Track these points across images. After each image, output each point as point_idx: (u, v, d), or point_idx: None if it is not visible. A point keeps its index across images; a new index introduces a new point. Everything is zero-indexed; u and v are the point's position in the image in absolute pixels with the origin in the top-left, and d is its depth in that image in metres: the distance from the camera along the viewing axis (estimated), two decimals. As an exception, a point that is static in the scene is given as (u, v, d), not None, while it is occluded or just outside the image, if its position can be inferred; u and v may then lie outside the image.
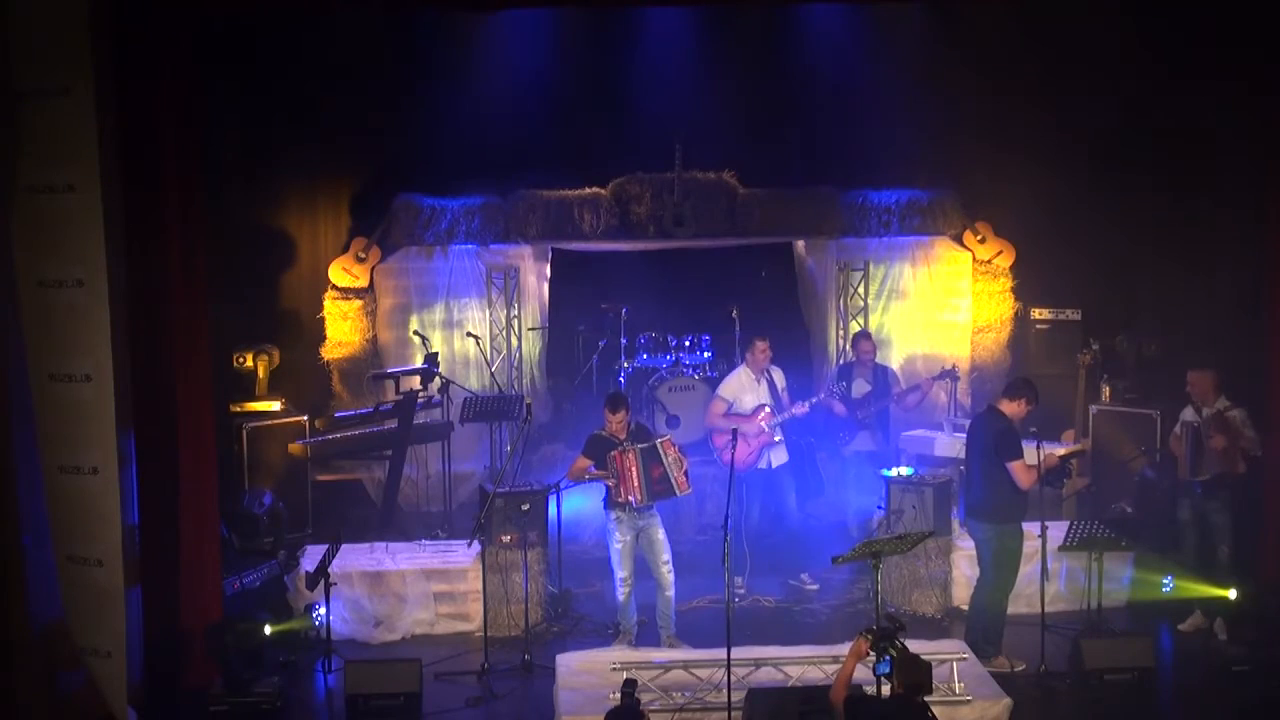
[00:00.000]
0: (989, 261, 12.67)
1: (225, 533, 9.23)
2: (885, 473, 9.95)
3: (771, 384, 10.04)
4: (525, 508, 9.27)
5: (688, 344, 12.34)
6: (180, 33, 8.28)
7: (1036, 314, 12.53)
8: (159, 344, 8.24)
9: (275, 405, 11.37)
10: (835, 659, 7.66)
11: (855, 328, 12.42)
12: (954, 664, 7.75)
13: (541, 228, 12.28)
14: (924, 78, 12.43)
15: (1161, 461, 10.11)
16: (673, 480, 8.76)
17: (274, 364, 11.69)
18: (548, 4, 12.01)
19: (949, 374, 11.47)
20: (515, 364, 12.48)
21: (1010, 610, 8.83)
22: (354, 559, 9.52)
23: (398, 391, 11.38)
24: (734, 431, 9.03)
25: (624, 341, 12.30)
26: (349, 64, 12.11)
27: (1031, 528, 8.79)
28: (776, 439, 10.00)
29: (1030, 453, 8.62)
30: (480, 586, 9.10)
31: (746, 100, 12.46)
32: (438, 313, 12.40)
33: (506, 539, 9.26)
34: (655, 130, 12.07)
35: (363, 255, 12.21)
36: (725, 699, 7.33)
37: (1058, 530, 8.96)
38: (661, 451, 8.77)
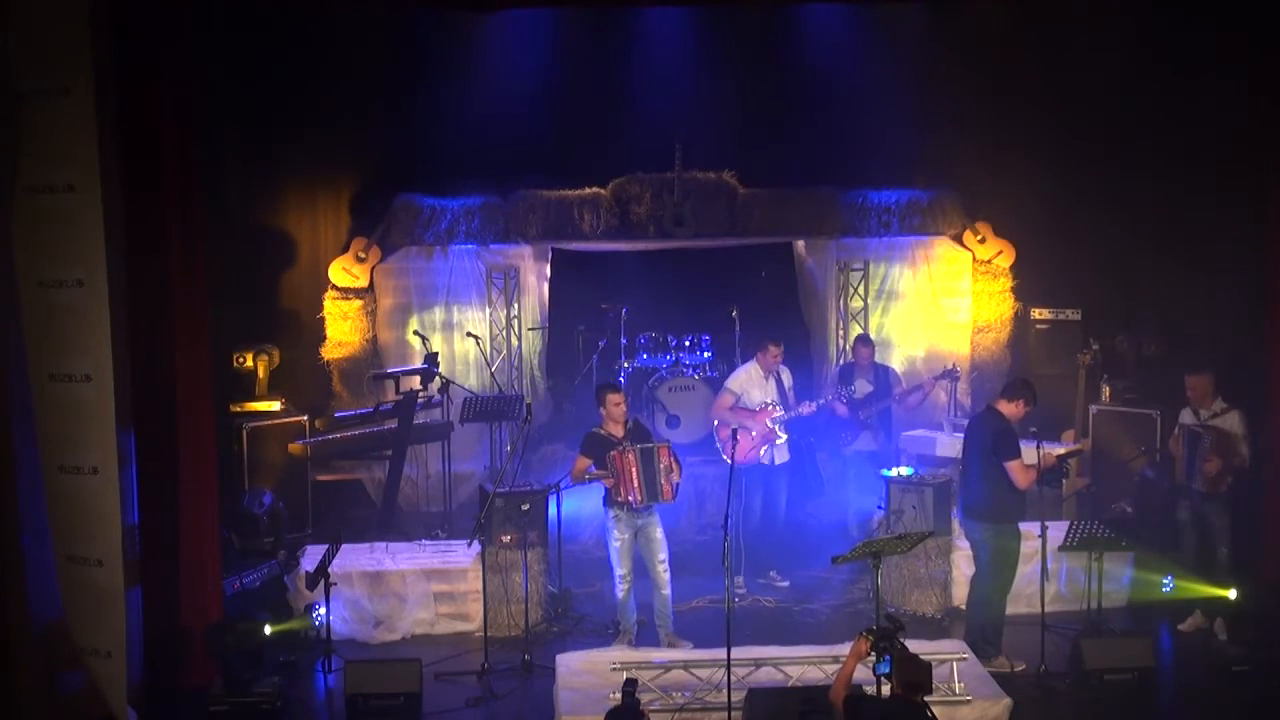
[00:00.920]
0: (989, 261, 12.66)
1: (225, 533, 9.23)
2: (885, 473, 9.95)
3: (780, 382, 10.06)
4: (525, 508, 9.27)
5: (688, 344, 12.34)
6: (180, 33, 8.28)
7: (1036, 314, 12.53)
8: (159, 344, 8.24)
9: (275, 405, 11.36)
10: (835, 659, 7.66)
11: (855, 328, 12.42)
12: (954, 664, 7.75)
13: (541, 228, 12.28)
14: (924, 78, 12.43)
15: (1161, 461, 10.11)
16: (658, 485, 8.75)
17: (274, 364, 11.69)
18: (548, 4, 12.01)
19: (950, 374, 11.47)
20: (515, 364, 12.48)
21: (1010, 610, 8.83)
22: (354, 559, 9.52)
23: (398, 391, 11.38)
24: (733, 431, 9.03)
25: (624, 341, 12.30)
26: (349, 64, 12.12)
27: (1031, 528, 8.80)
28: (781, 438, 9.99)
29: (1030, 453, 8.62)
30: (480, 586, 9.10)
31: (746, 100, 12.46)
32: (438, 313, 12.39)
33: (506, 539, 9.26)
34: (655, 130, 12.07)
35: (363, 255, 12.20)
36: (725, 699, 7.33)
37: (1058, 530, 8.96)
38: (655, 456, 8.77)
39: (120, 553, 7.76)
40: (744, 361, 10.65)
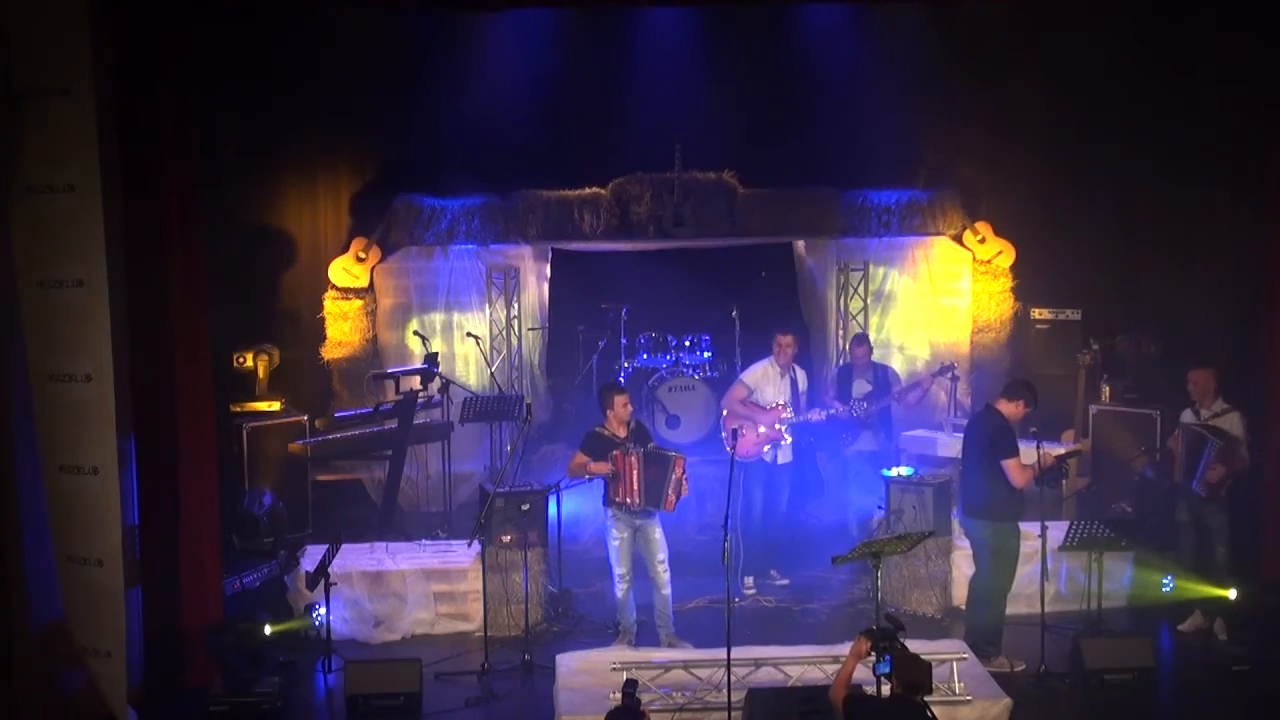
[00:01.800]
0: (989, 261, 12.66)
1: (225, 533, 9.23)
2: (885, 473, 9.95)
3: (794, 384, 10.04)
4: (525, 508, 9.27)
5: (688, 344, 12.34)
6: (180, 33, 8.29)
7: (1036, 314, 12.52)
8: (159, 344, 8.25)
9: (275, 405, 11.36)
10: (835, 659, 7.66)
11: (855, 328, 12.42)
12: (954, 664, 7.75)
13: (541, 228, 12.28)
14: (924, 78, 12.44)
15: (1161, 461, 10.11)
16: (664, 494, 8.73)
17: (274, 364, 11.69)
18: (548, 4, 12.01)
19: (948, 369, 11.48)
20: (515, 364, 12.48)
21: (1010, 610, 8.83)
22: (354, 559, 9.52)
23: (398, 391, 11.37)
24: (733, 431, 9.02)
25: (624, 341, 12.30)
26: (349, 64, 12.12)
27: (1031, 528, 8.79)
28: (786, 440, 9.97)
29: (1030, 452, 8.62)
30: (480, 586, 9.10)
31: (746, 100, 12.47)
32: (438, 313, 12.39)
33: (506, 539, 9.26)
34: (655, 130, 12.07)
35: (363, 255, 12.21)
36: (725, 699, 7.33)
37: (1058, 530, 8.95)
38: (671, 466, 8.74)
39: (120, 553, 7.76)
40: (745, 361, 10.63)
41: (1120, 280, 12.26)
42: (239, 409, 11.17)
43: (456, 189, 12.26)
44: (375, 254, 12.25)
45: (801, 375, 10.17)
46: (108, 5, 7.64)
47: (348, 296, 12.27)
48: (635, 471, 8.68)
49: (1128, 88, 11.86)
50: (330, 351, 12.28)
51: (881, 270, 12.72)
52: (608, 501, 8.84)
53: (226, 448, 10.46)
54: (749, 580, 9.99)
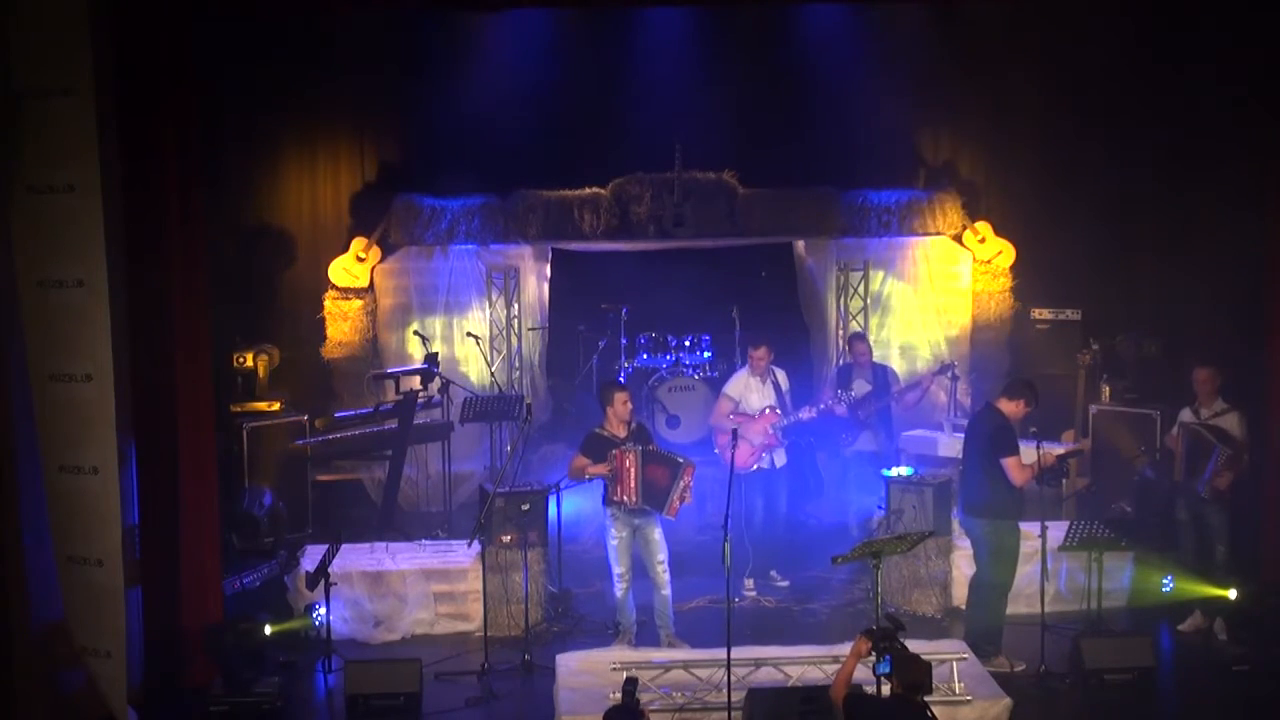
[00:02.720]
0: (989, 261, 12.67)
1: (225, 533, 9.23)
2: (885, 473, 9.95)
3: (776, 386, 10.03)
4: (525, 508, 9.27)
5: (688, 344, 12.34)
6: (180, 33, 8.29)
7: (1036, 314, 12.53)
8: (159, 344, 8.24)
9: (275, 405, 11.36)
10: (835, 659, 7.66)
11: (855, 328, 12.42)
12: (954, 664, 7.75)
13: (541, 228, 12.28)
14: (924, 78, 12.45)
15: (1161, 461, 10.12)
16: (669, 499, 8.70)
17: (274, 364, 11.69)
18: (548, 4, 12.01)
19: (948, 369, 11.49)
20: (515, 364, 12.48)
21: (1010, 610, 8.83)
22: (354, 559, 9.52)
23: (398, 391, 11.38)
24: (734, 432, 9.01)
25: (624, 341, 12.30)
26: (349, 64, 12.13)
27: (1031, 528, 8.80)
28: (780, 439, 9.96)
29: (1030, 452, 8.63)
30: (480, 586, 9.10)
31: (746, 100, 12.48)
32: (438, 313, 12.39)
33: (506, 539, 9.26)
34: (655, 130, 12.08)
35: (363, 255, 12.21)
36: (725, 699, 7.33)
37: (1058, 530, 8.95)
38: (682, 473, 8.69)
39: (120, 553, 7.76)
40: (744, 361, 10.62)
41: (1120, 280, 12.26)
42: (239, 409, 11.17)
43: (456, 189, 12.26)
44: (375, 254, 12.26)
45: (782, 375, 10.14)
46: (108, 5, 7.63)
47: (348, 296, 12.27)
48: (633, 470, 8.68)
49: (1127, 88, 11.87)
50: (330, 351, 12.29)
51: (881, 270, 12.72)
52: (607, 501, 8.84)
53: (226, 448, 10.46)
54: (749, 582, 9.99)
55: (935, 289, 12.74)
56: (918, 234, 12.60)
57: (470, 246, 12.35)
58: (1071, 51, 12.03)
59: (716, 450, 9.97)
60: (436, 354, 11.70)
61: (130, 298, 7.86)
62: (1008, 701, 7.68)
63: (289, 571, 9.49)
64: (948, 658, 7.78)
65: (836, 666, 7.15)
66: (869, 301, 12.67)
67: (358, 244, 12.23)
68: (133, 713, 7.86)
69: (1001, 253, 12.63)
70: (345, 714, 8.08)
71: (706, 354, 12.37)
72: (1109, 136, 12.11)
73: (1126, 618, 9.48)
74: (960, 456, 9.41)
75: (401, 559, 9.63)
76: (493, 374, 11.96)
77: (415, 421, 11.34)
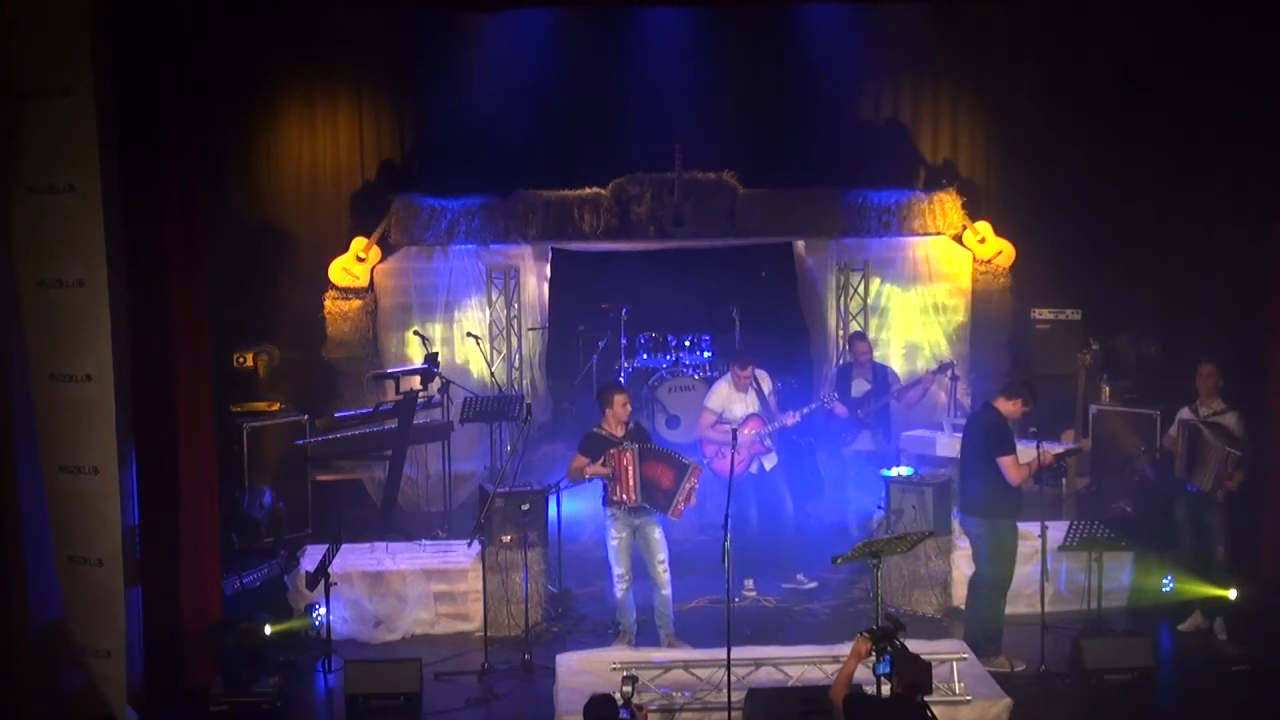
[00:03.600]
0: (989, 261, 12.67)
1: (225, 533, 9.23)
2: (885, 473, 9.95)
3: (759, 391, 9.97)
4: (525, 508, 9.27)
5: (688, 344, 12.34)
6: (180, 33, 8.29)
7: (1036, 314, 12.52)
8: (159, 344, 8.24)
9: (275, 405, 11.36)
10: (835, 659, 7.66)
11: (855, 328, 12.42)
12: (954, 664, 7.75)
13: (541, 228, 12.28)
14: (924, 78, 12.44)
15: (1161, 461, 10.12)
16: (674, 501, 8.70)
17: (274, 364, 11.69)
18: (548, 4, 12.02)
19: (948, 368, 11.49)
20: (515, 364, 12.48)
21: (1010, 610, 8.83)
22: (354, 559, 9.52)
23: (398, 391, 11.38)
24: (734, 432, 9.01)
25: (624, 341, 12.30)
26: (349, 63, 12.12)
27: (1031, 528, 8.80)
28: (766, 444, 9.92)
29: (1030, 452, 8.64)
30: (480, 586, 9.10)
31: (746, 100, 12.49)
32: (438, 313, 12.39)
33: (506, 539, 9.26)
34: (655, 130, 12.09)
35: (363, 255, 12.21)
36: (725, 699, 7.33)
37: (1058, 530, 8.96)
38: (689, 475, 8.67)
39: (120, 553, 7.76)
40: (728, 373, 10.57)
41: (1120, 280, 12.26)
42: (239, 409, 11.17)
43: (456, 189, 12.26)
44: (375, 254, 12.26)
45: (765, 380, 10.06)
46: (108, 5, 7.63)
47: (348, 296, 12.27)
48: (631, 469, 8.67)
49: (1128, 87, 11.86)
50: (330, 351, 12.29)
51: (881, 270, 12.71)
52: (606, 502, 8.84)
53: (226, 448, 10.46)
54: (749, 582, 9.98)
55: (935, 289, 12.73)
56: (918, 234, 12.59)
57: (470, 246, 12.35)
58: (1072, 51, 12.04)
59: (705, 460, 9.89)
60: (436, 354, 11.70)
61: (130, 298, 7.86)
62: (1008, 701, 7.68)
63: (289, 571, 9.49)
64: (948, 658, 7.78)
65: (836, 666, 7.15)
66: (869, 301, 12.67)
67: (358, 244, 12.22)
68: (132, 713, 7.86)
69: (1001, 253, 12.63)
70: (345, 714, 8.08)
71: (706, 354, 12.36)
72: (1109, 136, 12.11)
73: (1126, 618, 9.48)
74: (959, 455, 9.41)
75: (401, 559, 9.64)
76: (493, 374, 11.96)
77: (415, 421, 11.34)
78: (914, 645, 6.64)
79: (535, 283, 12.62)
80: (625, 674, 6.86)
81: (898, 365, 12.27)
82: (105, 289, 7.57)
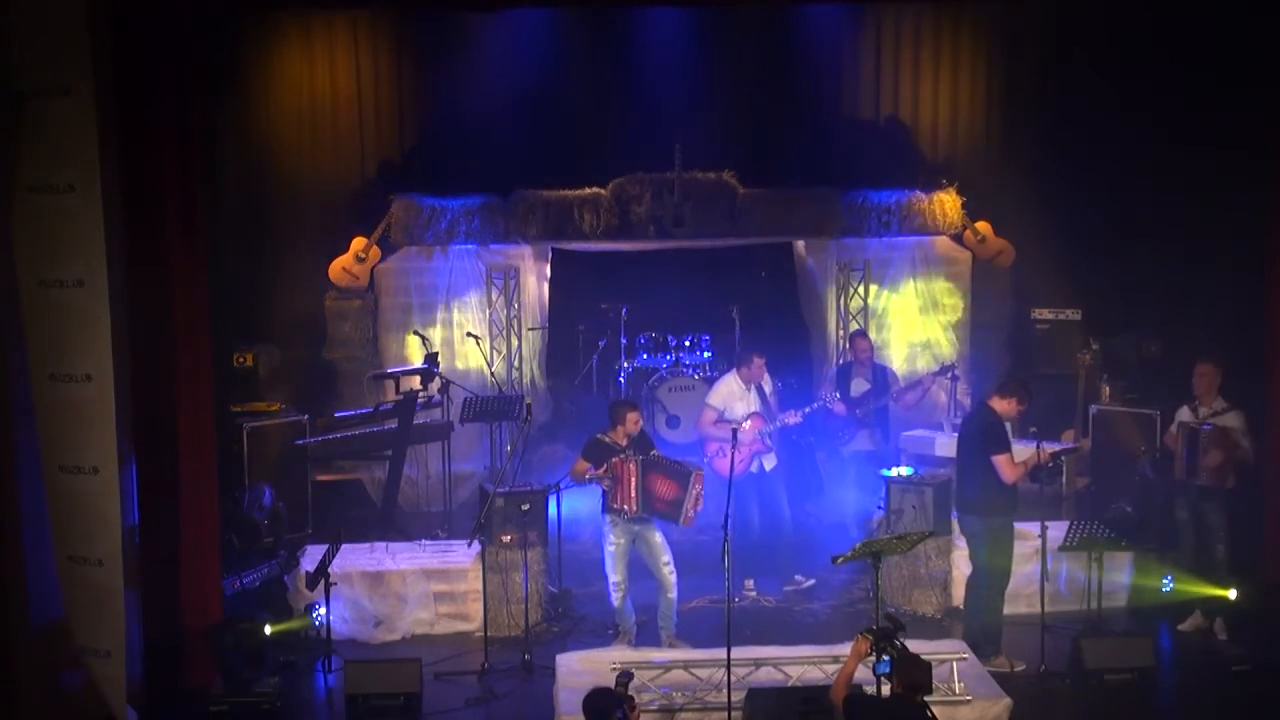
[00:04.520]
0: (989, 261, 12.67)
1: (225, 533, 9.23)
2: (885, 473, 9.95)
3: (760, 391, 9.96)
4: (525, 508, 9.27)
5: (688, 344, 12.34)
6: (180, 32, 8.29)
7: (1036, 314, 12.53)
8: (159, 344, 8.24)
9: (275, 405, 11.36)
10: (835, 659, 7.66)
11: (855, 327, 12.41)
12: (954, 664, 7.75)
13: (541, 228, 12.27)
14: (923, 78, 12.43)
15: (1162, 461, 10.11)
16: (683, 510, 8.70)
17: (274, 364, 11.69)
18: (548, 4, 12.01)
19: (948, 369, 11.48)
20: (515, 364, 12.48)
21: (1010, 610, 8.85)
22: (354, 559, 9.52)
23: (398, 391, 11.37)
24: (734, 431, 9.00)
25: (624, 341, 12.30)
26: (349, 63, 12.12)
27: (1031, 528, 8.80)
28: (768, 444, 9.92)
29: (1027, 451, 8.63)
30: (480, 586, 9.10)
31: (746, 100, 12.49)
32: (438, 313, 12.39)
33: (506, 539, 9.26)
34: (655, 130, 12.08)
35: (363, 255, 12.20)
36: (725, 699, 7.33)
37: (1058, 530, 8.96)
38: (693, 482, 8.70)
39: (120, 553, 7.75)
40: (727, 370, 10.56)
41: (1120, 280, 12.26)
42: (239, 409, 11.16)
43: (456, 189, 12.25)
44: (375, 254, 12.25)
45: (767, 380, 10.06)
46: (108, 5, 7.63)
47: (348, 296, 12.27)
48: (633, 479, 8.67)
49: (1128, 87, 11.85)
50: (330, 351, 12.29)
51: (882, 270, 12.71)
52: (606, 508, 8.83)
53: (226, 448, 10.46)
54: (749, 582, 9.97)
55: (935, 289, 12.73)
56: (918, 234, 12.59)
57: (470, 246, 12.34)
58: (1072, 51, 12.03)
59: (706, 459, 9.91)
60: (436, 354, 11.70)
61: (130, 298, 7.85)
62: (1008, 701, 7.69)
63: (289, 571, 9.48)
64: (948, 658, 7.78)
65: (836, 666, 7.16)
66: (869, 301, 12.66)
67: (358, 244, 12.22)
68: (132, 713, 7.86)
69: (1001, 253, 12.64)
70: (345, 714, 8.08)
71: (706, 354, 12.36)
72: (1109, 136, 12.10)
73: (1126, 618, 9.48)
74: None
75: (401, 559, 9.64)
76: (493, 374, 11.96)
77: (415, 421, 11.34)
78: (914, 645, 6.64)
79: (535, 283, 12.62)
80: (618, 671, 6.82)
81: (898, 365, 12.27)
82: (105, 289, 7.56)
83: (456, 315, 12.39)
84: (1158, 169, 11.68)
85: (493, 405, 11.36)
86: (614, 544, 8.82)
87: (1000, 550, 8.67)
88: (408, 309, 12.39)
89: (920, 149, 12.84)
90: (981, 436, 8.62)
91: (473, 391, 11.57)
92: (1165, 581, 9.34)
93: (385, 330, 12.37)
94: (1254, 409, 9.33)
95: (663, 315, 12.45)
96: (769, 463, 9.96)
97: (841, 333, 12.65)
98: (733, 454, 8.70)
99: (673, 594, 8.84)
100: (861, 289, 12.65)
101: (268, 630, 8.66)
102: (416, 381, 11.49)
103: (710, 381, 11.73)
